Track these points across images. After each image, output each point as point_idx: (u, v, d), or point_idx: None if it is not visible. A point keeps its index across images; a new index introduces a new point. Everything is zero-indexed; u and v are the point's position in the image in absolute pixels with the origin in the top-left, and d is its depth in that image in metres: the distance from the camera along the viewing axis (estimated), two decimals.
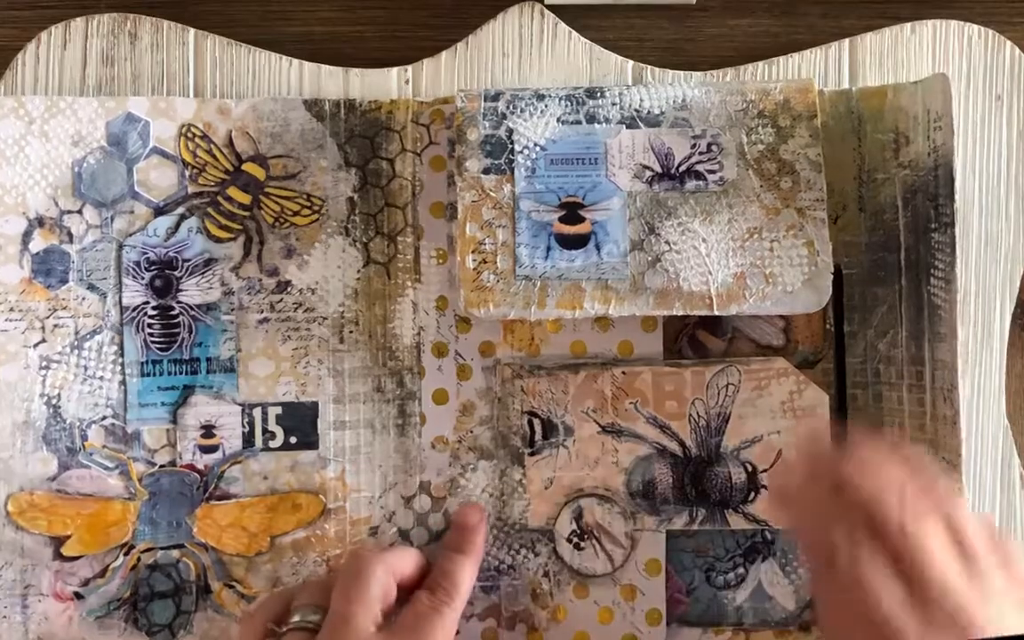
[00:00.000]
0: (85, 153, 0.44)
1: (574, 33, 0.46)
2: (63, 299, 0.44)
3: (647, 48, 0.47)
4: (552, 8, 0.46)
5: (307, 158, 0.45)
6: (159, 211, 0.44)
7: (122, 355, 0.44)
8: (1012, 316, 0.46)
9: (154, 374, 0.44)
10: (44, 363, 0.44)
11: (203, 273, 0.44)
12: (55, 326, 0.44)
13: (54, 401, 0.44)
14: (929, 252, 0.43)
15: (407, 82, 0.46)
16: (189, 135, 0.45)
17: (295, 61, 0.46)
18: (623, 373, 0.44)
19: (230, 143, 0.45)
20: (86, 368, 0.44)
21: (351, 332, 0.45)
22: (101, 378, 0.44)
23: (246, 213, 0.45)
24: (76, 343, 0.44)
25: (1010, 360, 0.46)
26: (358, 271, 0.45)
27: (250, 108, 0.45)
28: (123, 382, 0.44)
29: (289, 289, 0.45)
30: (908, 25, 0.46)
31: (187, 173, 0.45)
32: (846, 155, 0.45)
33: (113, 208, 0.44)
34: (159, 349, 0.44)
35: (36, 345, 0.44)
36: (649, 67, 0.46)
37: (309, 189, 0.45)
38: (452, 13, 0.47)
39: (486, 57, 0.46)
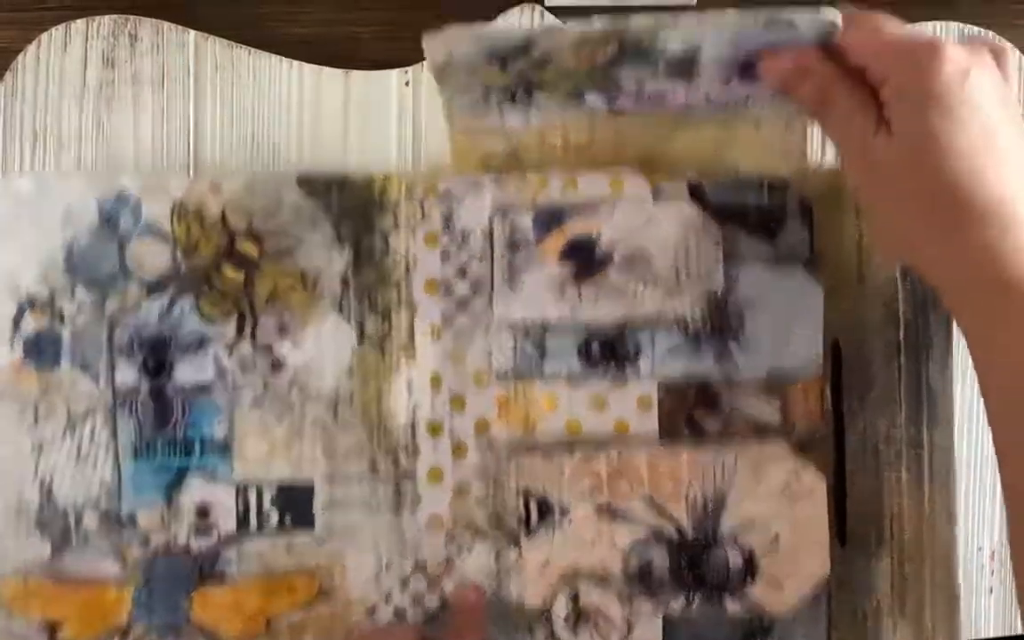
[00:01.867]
0: (76, 232, 0.43)
1: None
2: (55, 381, 0.43)
3: None
4: (552, 9, 0.45)
5: (300, 235, 0.44)
6: (152, 290, 0.43)
7: (115, 437, 0.43)
8: None
9: (148, 456, 0.43)
10: (36, 446, 0.43)
11: (196, 352, 0.43)
12: (47, 409, 0.43)
13: (47, 484, 0.42)
14: (927, 332, 0.42)
15: (407, 83, 0.45)
16: (182, 212, 0.43)
17: (295, 63, 0.45)
18: (619, 454, 0.43)
19: (223, 220, 0.44)
20: (79, 451, 0.43)
21: (345, 411, 0.44)
22: (94, 461, 0.43)
23: (239, 291, 0.44)
24: (69, 425, 0.43)
25: None
26: (352, 348, 0.44)
27: (244, 185, 0.44)
28: (116, 464, 0.43)
29: (283, 368, 0.44)
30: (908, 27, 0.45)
31: (180, 251, 0.43)
32: (844, 230, 0.44)
33: (105, 288, 0.43)
34: (152, 430, 0.43)
35: (28, 429, 0.43)
36: None
37: (303, 266, 0.44)
38: (452, 16, 0.45)
39: None
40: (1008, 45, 0.37)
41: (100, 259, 0.43)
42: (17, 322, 0.43)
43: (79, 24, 0.44)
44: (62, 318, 0.43)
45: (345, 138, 0.45)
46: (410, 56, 0.45)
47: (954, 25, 0.44)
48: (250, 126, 0.45)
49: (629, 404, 0.43)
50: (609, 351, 0.43)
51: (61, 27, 0.44)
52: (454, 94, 0.42)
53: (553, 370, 0.44)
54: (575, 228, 0.44)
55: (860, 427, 0.44)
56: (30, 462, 0.42)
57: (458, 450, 0.44)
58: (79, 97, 0.44)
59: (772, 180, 0.43)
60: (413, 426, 0.44)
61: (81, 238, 0.43)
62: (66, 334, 0.43)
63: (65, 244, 0.43)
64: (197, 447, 0.43)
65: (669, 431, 0.43)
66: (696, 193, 0.43)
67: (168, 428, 0.43)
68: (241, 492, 0.43)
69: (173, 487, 0.43)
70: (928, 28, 0.45)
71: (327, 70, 0.45)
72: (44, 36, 0.44)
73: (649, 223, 0.43)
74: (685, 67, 0.39)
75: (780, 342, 0.43)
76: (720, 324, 0.43)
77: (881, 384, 0.43)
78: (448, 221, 0.44)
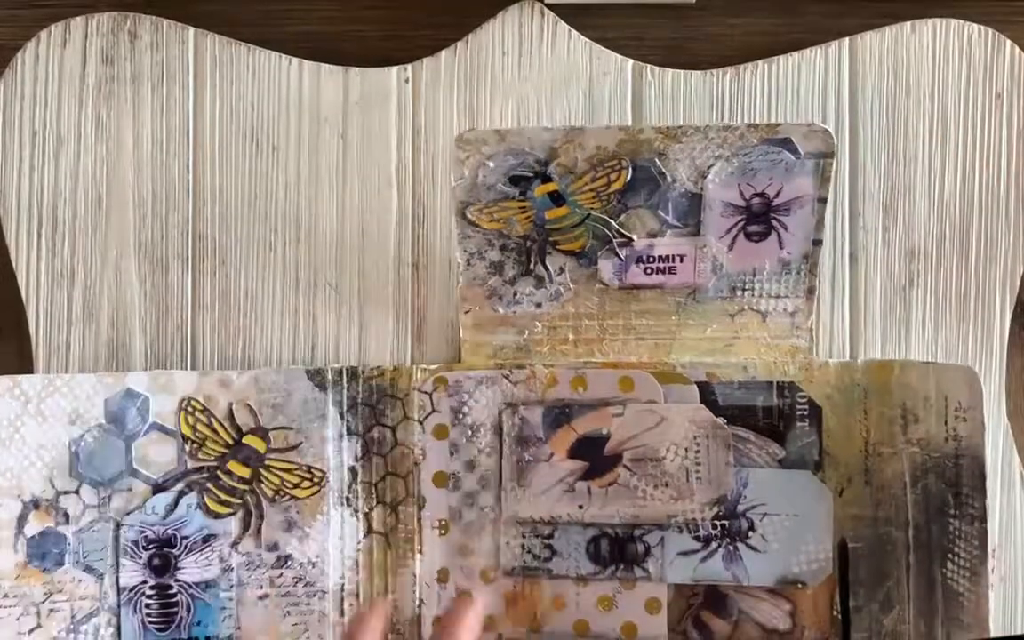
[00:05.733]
0: (83, 431, 0.40)
1: (574, 32, 0.43)
2: (59, 582, 0.40)
3: (647, 47, 0.44)
4: (552, 7, 0.43)
5: (309, 429, 0.41)
6: (158, 488, 0.41)
7: (119, 637, 0.40)
8: (1012, 316, 0.42)
9: None
10: None
11: (202, 550, 0.41)
12: (50, 610, 0.40)
13: None
14: (945, 536, 0.39)
15: (407, 81, 0.43)
16: (189, 409, 0.41)
17: (295, 60, 0.43)
18: None
19: (231, 416, 0.41)
20: None
21: (351, 605, 0.41)
22: None
23: (246, 487, 0.41)
24: (72, 627, 0.40)
25: (1010, 360, 0.43)
26: (359, 542, 0.42)
27: (251, 380, 0.41)
28: None
29: (289, 563, 0.41)
30: (908, 24, 0.43)
31: (187, 448, 0.41)
32: (852, 427, 0.42)
33: (111, 487, 0.41)
34: (157, 629, 0.41)
35: (31, 631, 0.40)
36: (649, 66, 0.43)
37: (310, 460, 0.41)
38: (452, 12, 0.44)
39: (486, 56, 0.43)
40: None
41: (106, 458, 0.41)
42: (21, 523, 0.40)
43: (78, 21, 0.42)
44: (67, 518, 0.40)
45: (345, 135, 0.43)
46: (409, 53, 0.43)
47: (954, 22, 0.43)
48: (250, 123, 0.43)
49: (637, 606, 0.41)
50: (618, 551, 0.41)
51: (60, 24, 0.42)
52: (472, 260, 0.41)
53: (561, 568, 0.41)
54: (585, 425, 0.41)
55: (866, 624, 0.41)
56: None
57: None
58: (78, 94, 0.42)
59: (781, 382, 0.41)
60: (419, 621, 0.41)
61: (88, 438, 0.40)
62: (71, 534, 0.40)
63: (72, 444, 0.40)
64: None
65: (677, 631, 0.41)
66: (706, 393, 0.41)
67: (172, 627, 0.41)
68: None
69: None
70: (928, 27, 0.43)
71: (326, 67, 0.43)
72: (43, 33, 0.42)
73: (660, 424, 0.41)
74: (693, 209, 0.40)
75: (790, 546, 0.41)
76: (730, 528, 0.41)
77: (889, 582, 0.41)
78: (458, 414, 0.42)
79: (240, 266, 0.43)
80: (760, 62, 0.43)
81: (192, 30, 0.43)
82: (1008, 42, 0.43)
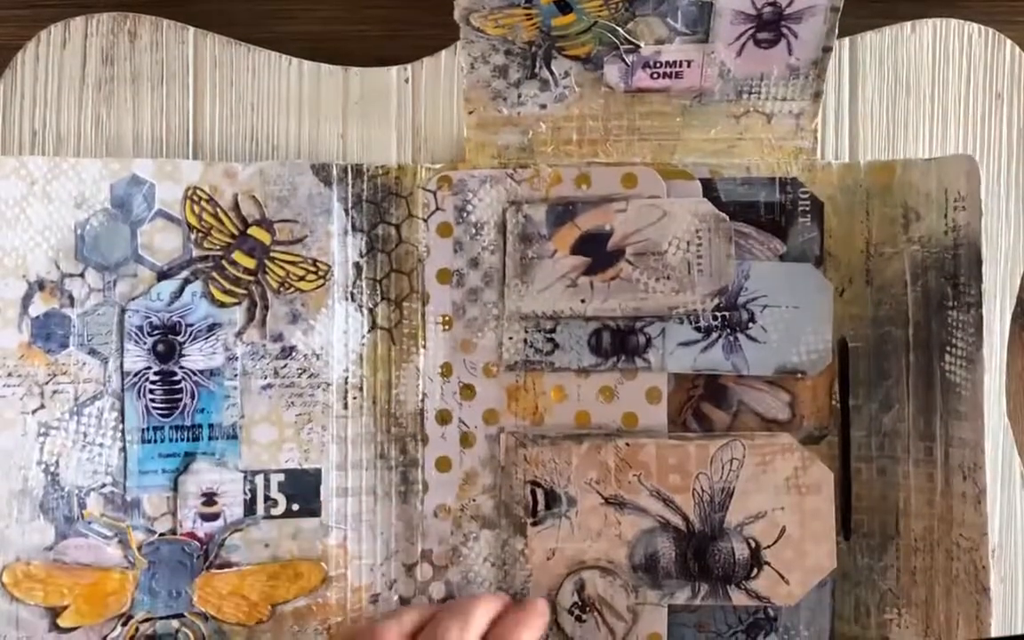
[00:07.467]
0: (88, 215, 0.40)
1: None
2: (63, 364, 0.40)
3: None
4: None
5: (313, 223, 0.41)
6: (163, 275, 0.40)
7: (123, 421, 0.40)
8: (1012, 316, 0.42)
9: (155, 441, 0.40)
10: (42, 430, 0.39)
11: (206, 338, 0.41)
12: (54, 392, 0.40)
13: (52, 468, 0.39)
14: (944, 329, 0.39)
15: (407, 81, 0.42)
16: (195, 198, 0.41)
17: (295, 60, 0.42)
18: (627, 445, 0.40)
19: (236, 207, 0.41)
20: (85, 435, 0.40)
21: (355, 398, 0.41)
22: (101, 445, 0.40)
23: (251, 278, 0.41)
24: (76, 409, 0.40)
25: (1010, 360, 0.42)
26: (363, 336, 0.41)
27: (257, 172, 0.41)
28: (123, 449, 0.40)
29: (293, 355, 0.41)
30: (908, 24, 0.43)
31: (192, 236, 0.41)
32: (854, 228, 0.41)
33: (116, 271, 0.40)
34: (161, 415, 0.40)
35: (34, 411, 0.39)
36: None
37: (315, 254, 0.41)
38: (452, 12, 0.43)
39: None
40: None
41: (112, 243, 0.40)
42: (26, 303, 0.40)
43: (78, 21, 0.42)
44: (72, 301, 0.40)
45: (344, 135, 0.42)
46: (409, 53, 0.42)
47: (954, 22, 0.42)
48: (249, 123, 0.42)
49: (638, 396, 0.41)
50: (619, 343, 0.41)
51: (60, 24, 0.42)
52: (476, 63, 0.40)
53: (563, 361, 0.41)
54: (588, 222, 0.41)
55: (865, 423, 0.41)
56: (35, 445, 0.39)
57: (466, 439, 0.41)
58: (78, 94, 0.41)
59: (783, 178, 0.41)
60: (422, 414, 0.41)
61: (93, 222, 0.40)
62: (75, 317, 0.40)
63: (77, 227, 0.40)
64: (205, 432, 0.40)
65: (677, 423, 0.41)
66: (708, 189, 0.41)
67: (176, 413, 0.40)
68: (248, 478, 0.40)
69: (180, 472, 0.40)
70: (928, 27, 0.42)
71: (326, 67, 0.42)
72: (43, 33, 0.41)
73: (662, 218, 0.41)
74: (702, 16, 0.39)
75: (790, 338, 0.41)
76: (730, 319, 0.41)
77: (888, 380, 0.41)
78: (462, 212, 0.41)
79: None
80: None
81: (192, 30, 0.42)
82: (1008, 42, 0.42)
